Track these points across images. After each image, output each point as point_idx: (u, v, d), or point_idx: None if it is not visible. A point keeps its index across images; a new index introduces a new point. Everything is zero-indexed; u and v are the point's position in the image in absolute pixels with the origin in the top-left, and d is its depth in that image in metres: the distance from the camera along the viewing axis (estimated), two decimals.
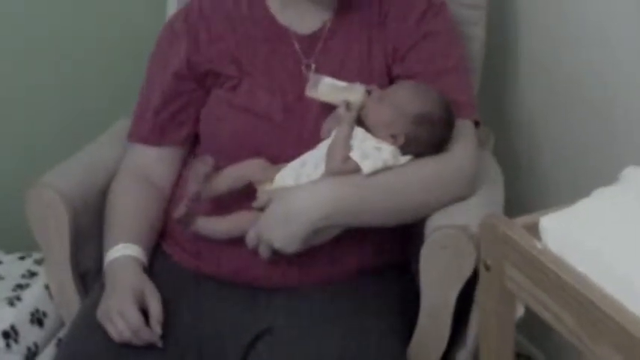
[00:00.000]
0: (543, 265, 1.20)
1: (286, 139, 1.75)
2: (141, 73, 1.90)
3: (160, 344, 1.61)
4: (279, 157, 1.74)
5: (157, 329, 1.62)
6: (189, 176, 1.72)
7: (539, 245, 1.23)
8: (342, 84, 1.72)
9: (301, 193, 1.65)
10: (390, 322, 1.68)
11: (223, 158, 1.76)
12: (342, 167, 1.64)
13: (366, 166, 1.63)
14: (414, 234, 1.74)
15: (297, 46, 1.81)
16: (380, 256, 1.78)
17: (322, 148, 1.70)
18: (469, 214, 1.65)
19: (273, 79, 1.79)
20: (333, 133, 1.69)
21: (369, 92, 1.70)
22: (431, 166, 1.67)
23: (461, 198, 1.69)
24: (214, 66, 1.81)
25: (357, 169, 1.64)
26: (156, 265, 1.79)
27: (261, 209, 1.69)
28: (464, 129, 1.72)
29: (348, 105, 1.68)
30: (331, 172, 1.65)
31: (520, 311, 1.36)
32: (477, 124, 1.78)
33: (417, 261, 1.65)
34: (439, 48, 1.78)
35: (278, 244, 1.65)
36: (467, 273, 1.62)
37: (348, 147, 1.65)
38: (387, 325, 1.67)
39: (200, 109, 1.84)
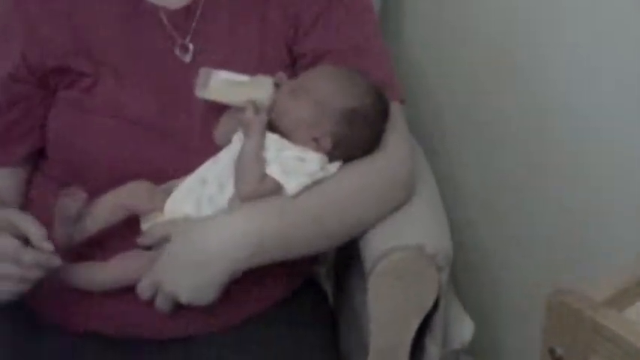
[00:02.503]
0: None
1: (168, 148, 1.35)
2: None
3: (58, 262, 1.24)
4: (162, 175, 1.34)
5: (45, 245, 1.22)
6: (55, 217, 1.28)
7: None
8: (242, 78, 1.32)
9: (212, 229, 1.27)
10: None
11: (83, 182, 1.34)
12: (259, 189, 1.26)
13: (291, 186, 1.26)
14: None
15: (166, 22, 1.38)
16: (291, 282, 1.44)
17: (224, 160, 1.31)
18: (416, 226, 1.34)
19: (139, 70, 1.37)
20: (235, 141, 1.30)
21: (277, 85, 1.30)
22: (366, 174, 1.33)
23: (400, 205, 1.35)
24: (60, 60, 1.36)
25: (276, 189, 1.27)
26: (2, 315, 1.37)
27: (149, 247, 1.31)
28: (393, 117, 1.36)
29: (254, 106, 1.28)
30: (245, 197, 1.27)
31: None
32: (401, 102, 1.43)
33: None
34: (351, 17, 1.41)
35: (186, 298, 1.27)
36: (428, 304, 1.32)
37: (262, 161, 1.27)
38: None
39: (44, 118, 1.39)
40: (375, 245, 1.31)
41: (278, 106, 1.30)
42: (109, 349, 1.35)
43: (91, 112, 1.35)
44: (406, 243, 1.29)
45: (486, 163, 1.70)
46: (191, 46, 1.38)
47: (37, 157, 1.43)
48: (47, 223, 1.30)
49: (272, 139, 1.29)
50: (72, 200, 1.27)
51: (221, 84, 1.31)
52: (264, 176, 1.26)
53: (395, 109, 1.37)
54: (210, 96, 1.31)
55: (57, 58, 1.35)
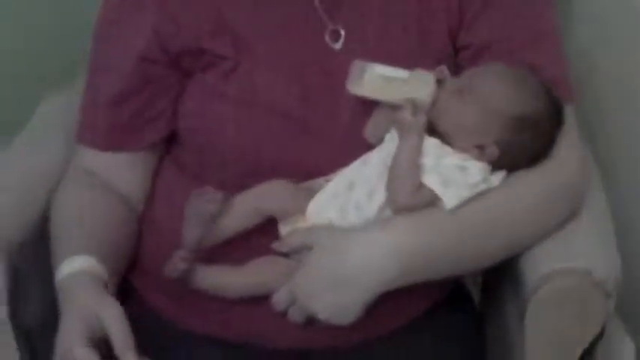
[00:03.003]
0: None
1: (313, 143, 1.23)
2: None
3: None
4: (303, 172, 1.23)
5: (128, 356, 1.09)
6: (187, 217, 1.18)
7: None
8: (400, 73, 1.19)
9: (360, 243, 1.16)
10: None
11: (217, 176, 1.24)
12: (414, 200, 1.14)
13: (450, 199, 1.14)
14: None
15: (317, 3, 1.24)
16: (437, 292, 1.31)
17: (374, 162, 1.20)
18: (584, 246, 1.21)
19: (284, 55, 1.25)
20: (388, 141, 1.18)
21: (439, 82, 1.17)
22: (535, 188, 1.19)
23: (568, 219, 1.22)
24: (197, 40, 1.24)
25: (433, 201, 1.15)
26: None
27: (286, 254, 1.21)
28: (565, 120, 1.21)
29: (412, 105, 1.15)
30: (399, 209, 1.15)
31: None
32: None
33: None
34: (526, 2, 1.25)
35: (324, 315, 1.18)
36: (593, 334, 1.19)
37: (419, 169, 1.14)
38: None
39: (176, 102, 1.29)
40: (537, 265, 1.19)
41: (439, 107, 1.17)
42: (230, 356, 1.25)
43: (225, 100, 1.24)
44: (573, 266, 1.16)
45: None
46: (343, 32, 1.25)
47: (167, 144, 1.33)
48: (172, 219, 1.23)
49: (431, 143, 1.16)
50: (206, 202, 1.17)
51: (377, 79, 1.18)
52: (421, 186, 1.14)
53: (568, 114, 1.23)
54: (364, 92, 1.19)
55: (193, 38, 1.24)
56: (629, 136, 1.52)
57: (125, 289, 1.31)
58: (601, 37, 1.54)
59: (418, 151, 1.15)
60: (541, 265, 1.18)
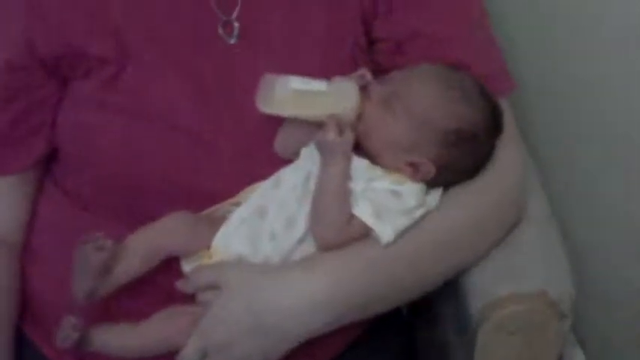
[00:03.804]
0: None
1: (213, 159, 1.05)
2: None
3: None
4: (208, 195, 1.05)
5: None
6: (75, 269, 1.00)
7: None
8: (317, 85, 1.02)
9: (280, 287, 1.00)
10: None
11: (102, 200, 1.07)
12: (344, 237, 0.99)
13: (385, 233, 0.99)
14: None
15: None
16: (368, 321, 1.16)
17: (288, 184, 1.03)
18: (531, 263, 1.08)
19: (173, 55, 1.06)
20: (305, 157, 1.01)
21: (362, 89, 1.01)
22: (475, 207, 1.05)
23: (509, 231, 1.09)
24: (72, 42, 1.04)
25: (365, 232, 0.99)
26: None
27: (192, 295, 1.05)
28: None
29: (336, 123, 0.98)
30: (326, 246, 0.99)
31: None
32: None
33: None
34: None
35: None
36: None
37: (348, 197, 0.98)
38: None
39: (55, 113, 1.09)
40: (484, 288, 1.05)
41: (366, 122, 1.01)
42: None
43: (109, 110, 1.05)
44: (526, 289, 1.03)
45: None
46: (236, 25, 1.06)
47: (49, 161, 1.14)
48: (57, 249, 1.07)
49: (360, 166, 1.00)
50: (95, 250, 0.98)
51: (291, 94, 1.00)
52: (352, 218, 0.98)
53: (504, 109, 1.08)
54: (277, 110, 1.01)
55: (67, 40, 1.04)
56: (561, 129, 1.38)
57: (20, 337, 1.15)
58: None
59: (346, 176, 0.99)
60: (488, 288, 1.05)
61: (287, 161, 1.05)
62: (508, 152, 1.07)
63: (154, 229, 1.03)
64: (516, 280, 1.05)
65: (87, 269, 0.99)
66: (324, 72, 1.04)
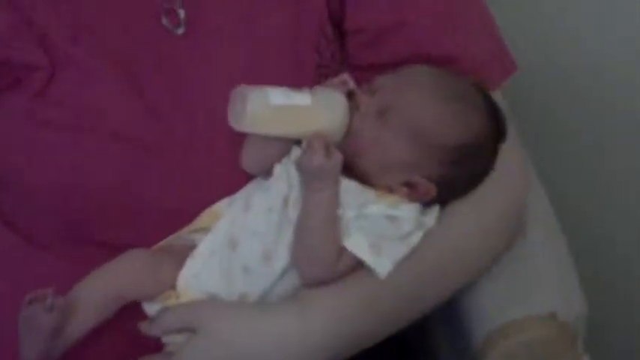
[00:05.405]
0: None
1: (164, 176, 0.90)
2: None
3: None
4: (168, 216, 0.90)
5: None
6: (22, 333, 0.85)
7: None
8: (298, 97, 0.86)
9: (265, 334, 0.86)
10: None
11: (32, 226, 0.92)
12: (335, 274, 0.86)
13: (383, 267, 0.85)
14: None
15: None
16: None
17: (261, 209, 0.88)
18: (537, 280, 0.97)
19: (113, 55, 0.90)
20: (279, 176, 0.87)
21: (350, 95, 0.86)
22: (484, 213, 0.93)
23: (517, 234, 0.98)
24: None
25: (357, 264, 0.86)
26: None
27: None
28: None
29: (323, 142, 0.83)
30: (314, 283, 0.86)
31: None
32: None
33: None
34: None
35: None
36: None
37: (338, 227, 0.84)
38: None
39: None
40: (488, 310, 0.94)
41: (357, 139, 0.86)
42: None
43: (43, 124, 0.89)
44: (535, 311, 0.92)
45: None
46: (182, 13, 0.90)
47: None
48: None
49: (349, 189, 0.86)
50: (43, 311, 0.83)
51: (270, 111, 0.84)
52: (343, 251, 0.85)
53: (500, 102, 0.94)
54: (253, 128, 0.85)
55: None
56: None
57: None
58: None
59: (336, 203, 0.85)
60: (493, 311, 0.94)
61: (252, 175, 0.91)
62: (508, 153, 0.94)
63: (107, 272, 0.88)
64: (521, 299, 0.94)
65: (36, 333, 0.84)
66: (285, 65, 0.92)
